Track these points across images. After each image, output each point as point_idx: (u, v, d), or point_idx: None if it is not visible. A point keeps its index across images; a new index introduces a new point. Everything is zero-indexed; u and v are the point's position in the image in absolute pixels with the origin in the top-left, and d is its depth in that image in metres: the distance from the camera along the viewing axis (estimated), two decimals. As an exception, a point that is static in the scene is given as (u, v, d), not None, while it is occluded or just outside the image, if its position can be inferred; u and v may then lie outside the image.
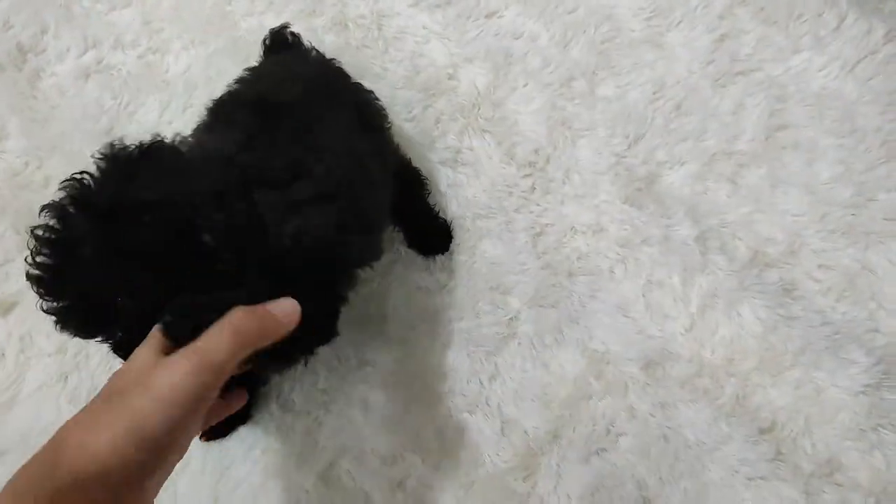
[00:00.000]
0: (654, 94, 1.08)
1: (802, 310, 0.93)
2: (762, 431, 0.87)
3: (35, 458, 0.45)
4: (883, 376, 0.89)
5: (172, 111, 1.07)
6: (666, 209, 0.99)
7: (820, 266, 0.98)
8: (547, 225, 0.99)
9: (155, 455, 0.46)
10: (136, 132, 1.02)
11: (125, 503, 0.45)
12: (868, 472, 0.85)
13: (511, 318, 0.93)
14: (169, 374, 0.46)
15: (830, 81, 1.10)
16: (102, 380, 0.88)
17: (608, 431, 0.88)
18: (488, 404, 0.89)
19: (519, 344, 0.91)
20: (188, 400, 0.46)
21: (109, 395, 0.48)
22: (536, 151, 1.03)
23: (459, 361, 0.91)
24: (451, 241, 0.97)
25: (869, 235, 1.00)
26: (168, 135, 0.59)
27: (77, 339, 0.86)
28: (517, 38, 1.11)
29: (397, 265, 0.96)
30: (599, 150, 1.03)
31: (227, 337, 0.48)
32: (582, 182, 1.01)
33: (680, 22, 1.14)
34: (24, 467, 0.45)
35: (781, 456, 0.86)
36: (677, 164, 1.03)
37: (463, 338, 0.92)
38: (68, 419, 0.47)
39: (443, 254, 0.97)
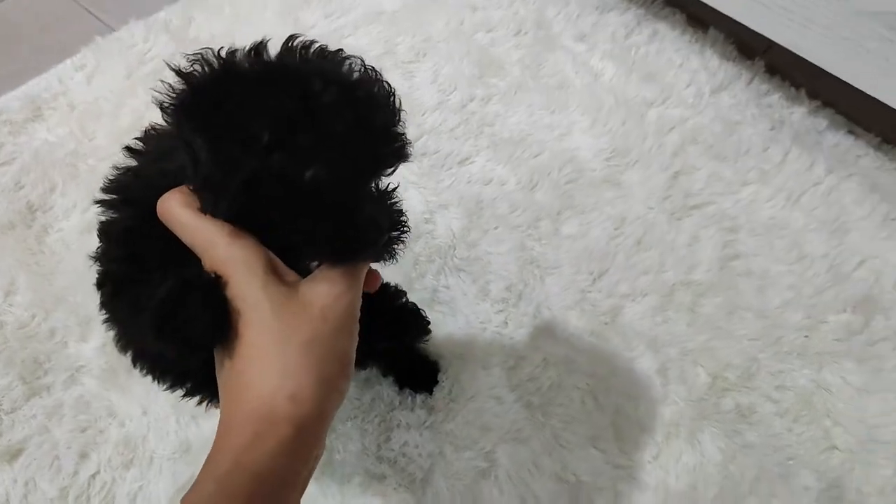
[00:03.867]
0: (615, 230, 1.17)
1: (758, 436, 0.99)
2: (725, 558, 0.92)
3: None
4: (832, 503, 0.94)
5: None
6: (629, 342, 1.07)
7: (777, 387, 1.04)
8: (521, 358, 1.06)
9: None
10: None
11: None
12: None
13: (488, 452, 0.98)
14: (329, 298, 0.51)
15: (778, 212, 1.20)
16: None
17: (581, 561, 0.93)
18: (468, 537, 0.94)
19: (496, 477, 0.96)
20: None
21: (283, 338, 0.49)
22: (508, 289, 1.11)
23: (440, 493, 0.96)
24: (436, 382, 1.04)
25: (822, 356, 1.07)
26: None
27: (77, 485, 0.92)
28: (487, 185, 1.21)
29: (378, 403, 1.02)
30: (566, 287, 1.11)
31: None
32: (552, 317, 1.09)
33: (637, 161, 1.24)
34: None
35: (744, 581, 0.90)
36: (639, 296, 1.11)
37: (442, 471, 0.97)
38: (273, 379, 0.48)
39: (429, 393, 1.03)
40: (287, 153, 0.48)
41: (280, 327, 0.49)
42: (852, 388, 1.04)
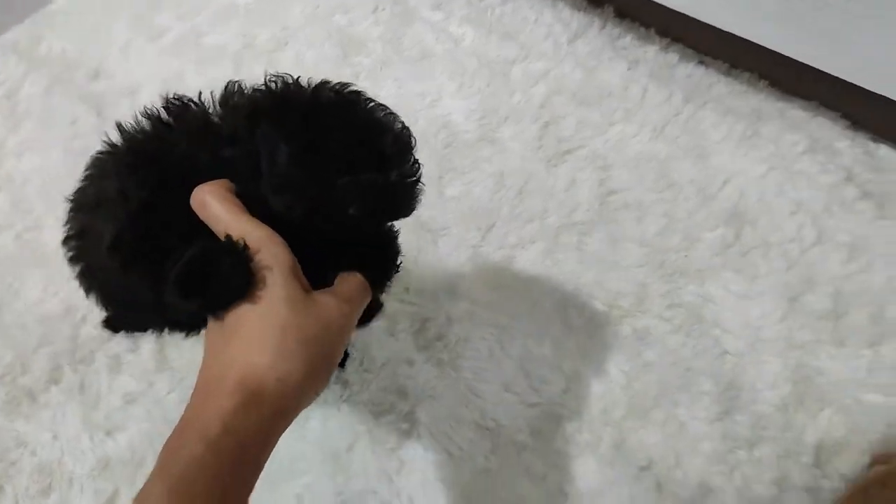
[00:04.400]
0: (496, 185, 1.21)
1: (657, 354, 1.05)
2: (641, 469, 0.97)
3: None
4: (731, 402, 1.01)
5: (57, 283, 1.11)
6: (525, 287, 1.11)
7: (668, 307, 1.10)
8: (426, 320, 1.09)
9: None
10: (22, 307, 1.07)
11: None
12: (733, 493, 0.95)
13: (408, 413, 1.01)
14: (335, 311, 0.56)
15: (644, 145, 1.26)
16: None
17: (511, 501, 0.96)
18: (399, 497, 0.96)
19: (419, 435, 0.99)
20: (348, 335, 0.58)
21: (284, 327, 0.52)
22: (404, 256, 1.13)
23: (367, 461, 0.98)
24: (347, 356, 1.05)
25: (703, 272, 1.14)
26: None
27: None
28: (367, 160, 1.23)
29: (295, 386, 1.02)
30: (458, 246, 1.14)
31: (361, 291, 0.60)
32: (449, 276, 1.12)
33: (507, 117, 1.28)
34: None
35: (661, 487, 0.96)
36: (528, 243, 1.15)
37: (366, 440, 0.99)
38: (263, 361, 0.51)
39: (342, 368, 1.04)
40: (351, 182, 0.55)
41: (288, 317, 0.52)
42: (734, 297, 1.11)
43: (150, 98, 0.62)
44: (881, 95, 1.15)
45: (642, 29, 1.43)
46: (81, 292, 0.75)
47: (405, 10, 1.44)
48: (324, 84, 0.60)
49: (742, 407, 1.02)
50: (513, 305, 1.09)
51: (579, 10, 1.45)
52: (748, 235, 1.17)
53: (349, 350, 1.05)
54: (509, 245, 1.15)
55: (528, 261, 1.14)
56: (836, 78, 1.16)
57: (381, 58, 1.37)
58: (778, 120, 1.31)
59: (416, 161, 0.62)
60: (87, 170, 0.66)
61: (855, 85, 1.15)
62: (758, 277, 1.13)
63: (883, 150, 1.29)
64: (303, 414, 0.99)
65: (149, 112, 0.61)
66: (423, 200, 1.17)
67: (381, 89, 1.32)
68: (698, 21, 1.23)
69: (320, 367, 0.55)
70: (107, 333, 1.04)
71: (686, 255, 1.15)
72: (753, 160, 1.25)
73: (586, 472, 0.97)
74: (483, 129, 1.27)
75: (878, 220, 1.20)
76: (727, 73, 1.37)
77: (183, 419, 0.52)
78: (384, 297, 0.80)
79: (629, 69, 1.36)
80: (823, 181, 1.23)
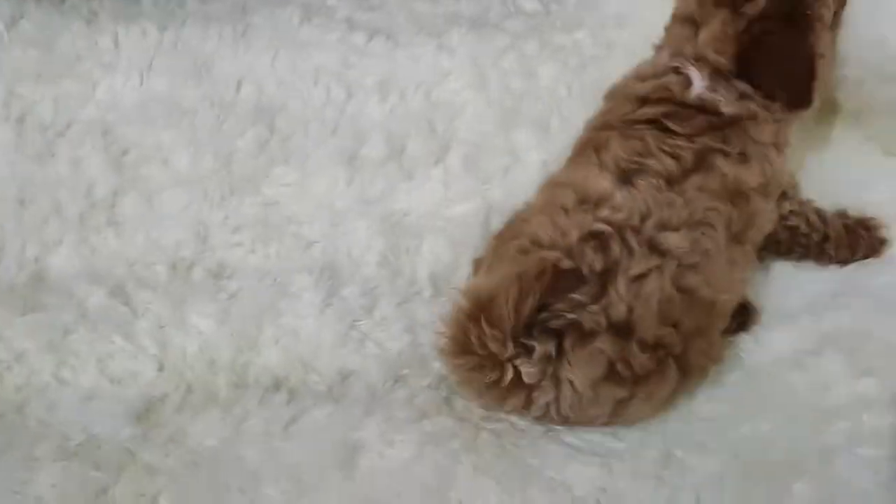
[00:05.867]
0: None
1: (240, 284, 0.96)
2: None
3: None
4: (331, 285, 0.94)
5: None
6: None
7: (234, 230, 1.01)
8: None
9: None
10: None
11: None
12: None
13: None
14: None
15: (139, 91, 1.11)
16: None
17: None
18: None
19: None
20: None
21: None
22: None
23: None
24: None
25: (253, 178, 1.05)
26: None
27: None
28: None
29: None
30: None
31: None
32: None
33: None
34: None
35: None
36: (54, 246, 0.97)
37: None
38: None
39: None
40: None
41: None
42: (294, 187, 1.05)
43: None
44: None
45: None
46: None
47: None
48: None
49: (349, 283, 0.95)
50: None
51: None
52: (282, 123, 1.10)
53: None
54: (32, 260, 0.96)
55: (65, 266, 0.96)
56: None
57: None
58: (280, 7, 1.22)
59: None
60: None
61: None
62: (309, 157, 1.07)
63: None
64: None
65: None
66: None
67: None
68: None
69: None
70: None
71: (228, 171, 1.04)
72: (257, 52, 1.16)
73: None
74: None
75: (394, 51, 1.18)
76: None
77: None
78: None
79: (89, 24, 1.18)
80: (330, 39, 1.19)
